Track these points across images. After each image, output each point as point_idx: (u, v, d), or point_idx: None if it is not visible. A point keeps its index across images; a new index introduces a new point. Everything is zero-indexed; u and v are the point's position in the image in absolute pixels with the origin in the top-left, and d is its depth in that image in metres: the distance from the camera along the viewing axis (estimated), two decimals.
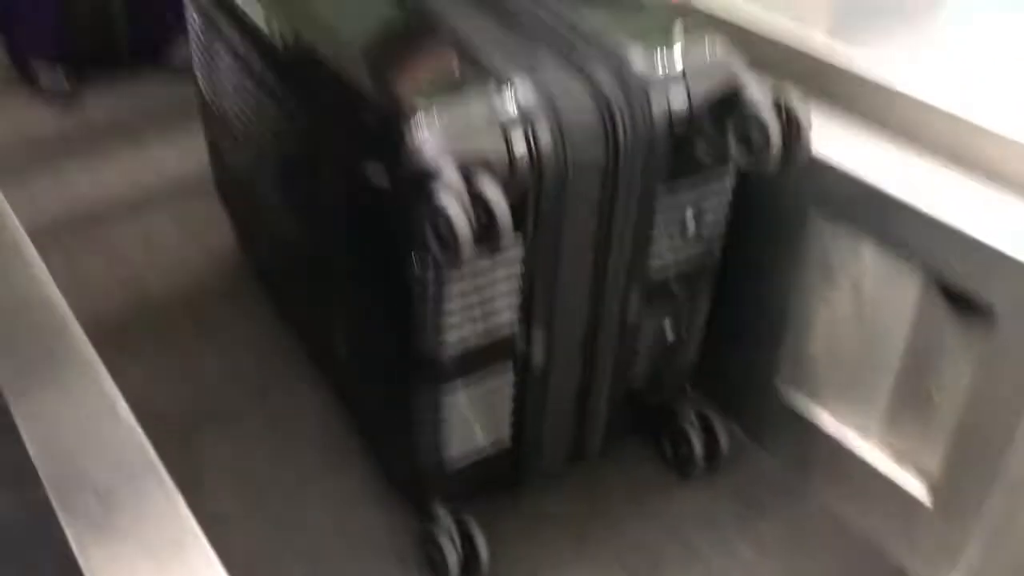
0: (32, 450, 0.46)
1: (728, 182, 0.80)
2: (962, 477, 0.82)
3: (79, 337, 0.57)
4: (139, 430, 0.49)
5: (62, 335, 0.56)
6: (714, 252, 0.85)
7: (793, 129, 0.73)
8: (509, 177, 0.68)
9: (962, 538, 0.83)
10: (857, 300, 0.87)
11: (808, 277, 0.90)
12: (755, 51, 0.78)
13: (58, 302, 0.60)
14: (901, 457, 0.89)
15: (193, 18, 0.99)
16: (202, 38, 0.98)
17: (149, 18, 1.54)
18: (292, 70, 0.80)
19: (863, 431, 0.92)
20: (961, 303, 0.78)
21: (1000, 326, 0.74)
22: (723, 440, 0.94)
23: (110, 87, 1.51)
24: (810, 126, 0.73)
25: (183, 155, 1.33)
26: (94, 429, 0.50)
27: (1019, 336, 0.73)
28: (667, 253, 0.81)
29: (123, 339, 0.64)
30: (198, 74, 1.04)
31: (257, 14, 0.83)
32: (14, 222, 0.66)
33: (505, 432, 0.83)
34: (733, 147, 0.74)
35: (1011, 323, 0.74)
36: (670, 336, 0.87)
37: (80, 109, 1.48)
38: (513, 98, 0.69)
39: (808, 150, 0.73)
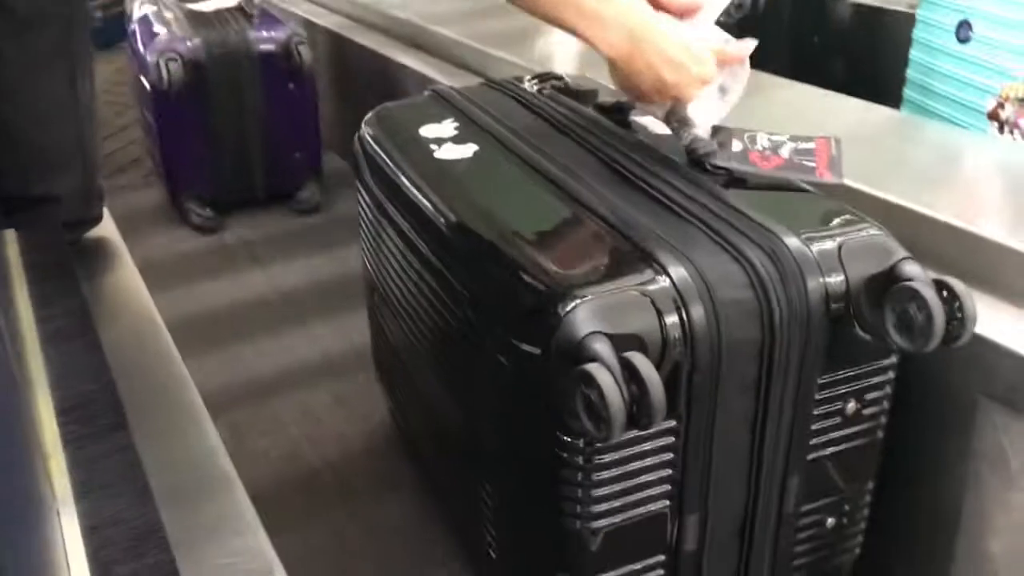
0: None
1: (889, 364, 0.78)
2: None
3: (244, 501, 0.59)
4: None
5: (230, 499, 0.59)
6: (876, 437, 0.81)
7: (955, 309, 0.71)
8: (662, 355, 0.68)
9: None
10: None
11: (981, 472, 0.85)
12: (913, 233, 0.77)
13: (228, 469, 0.63)
14: None
15: (363, 203, 1.06)
16: (370, 220, 1.04)
17: (283, 167, 1.92)
18: (455, 251, 0.83)
19: None
20: None
21: None
22: None
23: (251, 225, 1.83)
24: (973, 306, 0.70)
25: (340, 332, 1.41)
26: None
27: None
28: (826, 437, 0.78)
29: (277, 508, 0.66)
30: (364, 254, 1.11)
31: (424, 199, 0.88)
32: (193, 391, 0.70)
33: None
34: (892, 329, 0.72)
35: None
36: (831, 525, 0.82)
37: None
38: (667, 279, 0.70)
39: (971, 331, 0.71)
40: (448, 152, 0.92)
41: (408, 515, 1.07)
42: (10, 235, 0.86)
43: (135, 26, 1.96)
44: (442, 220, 0.85)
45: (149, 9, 1.98)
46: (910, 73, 1.42)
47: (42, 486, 0.45)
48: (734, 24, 2.47)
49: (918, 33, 1.37)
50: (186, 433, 0.65)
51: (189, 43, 1.80)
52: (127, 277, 0.89)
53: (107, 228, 1.03)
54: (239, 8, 1.97)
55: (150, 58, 1.78)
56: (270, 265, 1.69)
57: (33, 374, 0.64)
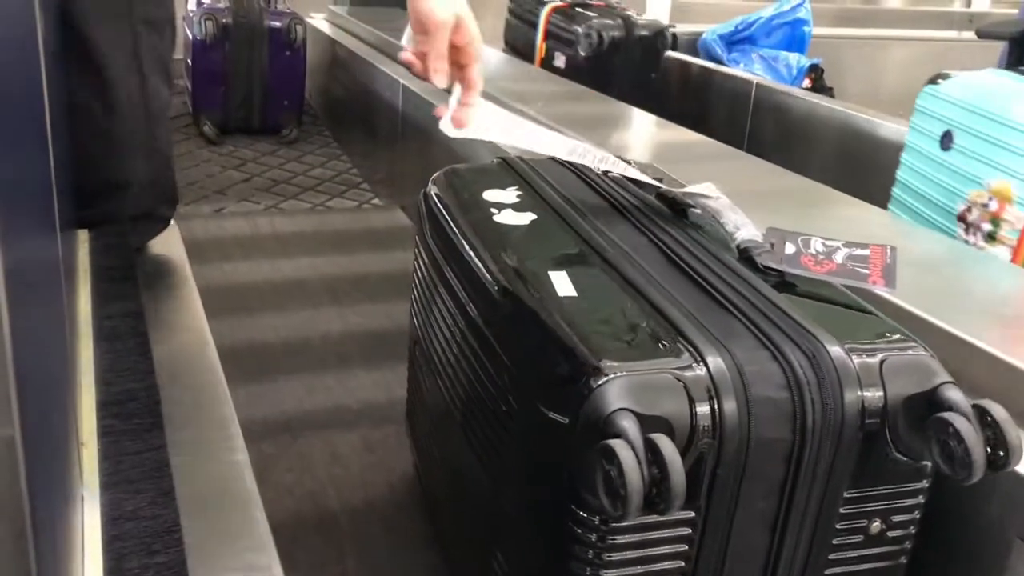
0: None
1: (920, 488, 0.76)
2: None
3: (263, 525, 0.60)
4: None
5: (248, 516, 0.60)
6: (899, 563, 0.79)
7: (997, 444, 0.70)
8: (689, 443, 0.68)
9: None
10: None
11: None
12: (960, 360, 0.77)
13: (252, 488, 0.64)
14: None
15: (419, 258, 1.09)
16: (423, 276, 1.07)
17: (274, 109, 2.97)
18: (500, 314, 0.85)
19: None
20: None
21: None
22: None
23: (246, 145, 2.87)
24: (1018, 436, 0.69)
25: (379, 383, 1.43)
26: None
27: None
28: (846, 554, 0.76)
29: (292, 544, 0.67)
30: (413, 308, 1.13)
31: (477, 260, 0.90)
32: (230, 408, 0.72)
33: None
34: (929, 452, 0.71)
35: None
36: None
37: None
38: (704, 367, 0.70)
39: (1016, 461, 0.69)
40: (507, 218, 0.95)
41: (418, 570, 1.07)
42: (83, 235, 0.90)
43: None
44: (492, 282, 0.87)
45: None
46: (900, 175, 1.57)
47: (73, 472, 0.47)
48: (583, 58, 2.88)
49: (909, 139, 1.53)
50: (217, 447, 0.66)
51: (223, 9, 2.83)
52: (187, 295, 0.92)
53: (175, 247, 1.07)
54: None
55: (195, 17, 2.80)
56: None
57: (82, 366, 0.67)
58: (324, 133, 3.12)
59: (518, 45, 3.27)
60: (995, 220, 1.31)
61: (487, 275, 0.88)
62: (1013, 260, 1.28)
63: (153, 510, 0.54)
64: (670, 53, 3.06)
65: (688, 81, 3.03)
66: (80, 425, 0.59)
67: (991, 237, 1.32)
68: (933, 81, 1.52)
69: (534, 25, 3.15)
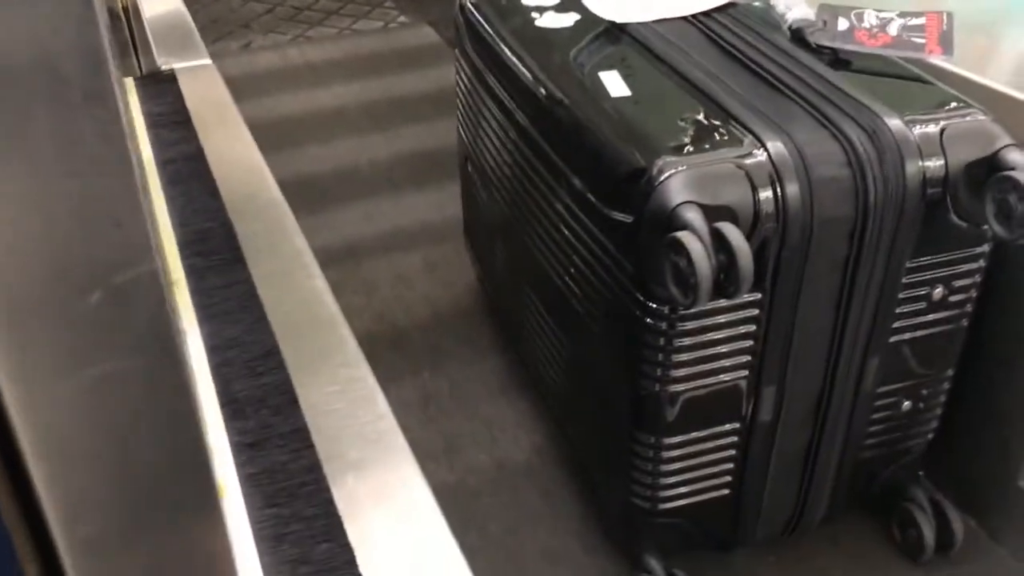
0: (308, 422, 0.52)
1: (980, 253, 0.78)
2: None
3: (352, 343, 0.64)
4: (391, 416, 0.55)
5: (336, 335, 0.63)
6: (961, 327, 0.81)
7: None
8: (753, 228, 0.70)
9: None
10: None
11: None
12: (1017, 121, 0.76)
13: (335, 310, 0.67)
14: None
15: (462, 72, 1.08)
16: (467, 90, 1.06)
17: None
18: (554, 120, 0.85)
19: None
20: None
21: None
22: (957, 529, 0.89)
23: None
24: None
25: (432, 203, 1.45)
26: (357, 415, 0.55)
27: None
28: (910, 321, 0.79)
29: (373, 362, 0.71)
30: (460, 124, 1.13)
31: (524, 68, 0.89)
32: (301, 238, 0.74)
33: (725, 489, 0.83)
34: (990, 215, 0.72)
35: None
36: (906, 408, 0.84)
37: None
38: (764, 153, 0.70)
39: None
40: (550, 20, 0.93)
41: (490, 374, 1.12)
42: (129, 83, 0.90)
43: None
44: (541, 89, 0.87)
45: None
46: None
47: (169, 308, 0.50)
48: None
49: None
50: (296, 275, 0.69)
51: None
52: (239, 133, 0.92)
53: (217, 86, 1.07)
54: None
55: None
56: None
57: (157, 210, 0.69)
58: None
59: None
60: None
61: (535, 81, 0.88)
62: None
63: (251, 336, 0.58)
64: None
65: None
66: (166, 265, 0.62)
67: None
68: None
69: None
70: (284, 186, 0.83)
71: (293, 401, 0.53)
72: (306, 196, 1.47)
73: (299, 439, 0.50)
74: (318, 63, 2.08)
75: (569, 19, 0.92)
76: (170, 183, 0.75)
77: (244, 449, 0.50)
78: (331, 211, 1.45)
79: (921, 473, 0.91)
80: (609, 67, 0.84)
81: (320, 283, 0.69)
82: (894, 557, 0.91)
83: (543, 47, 0.90)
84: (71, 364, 0.25)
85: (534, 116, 0.88)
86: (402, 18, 2.47)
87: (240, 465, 0.49)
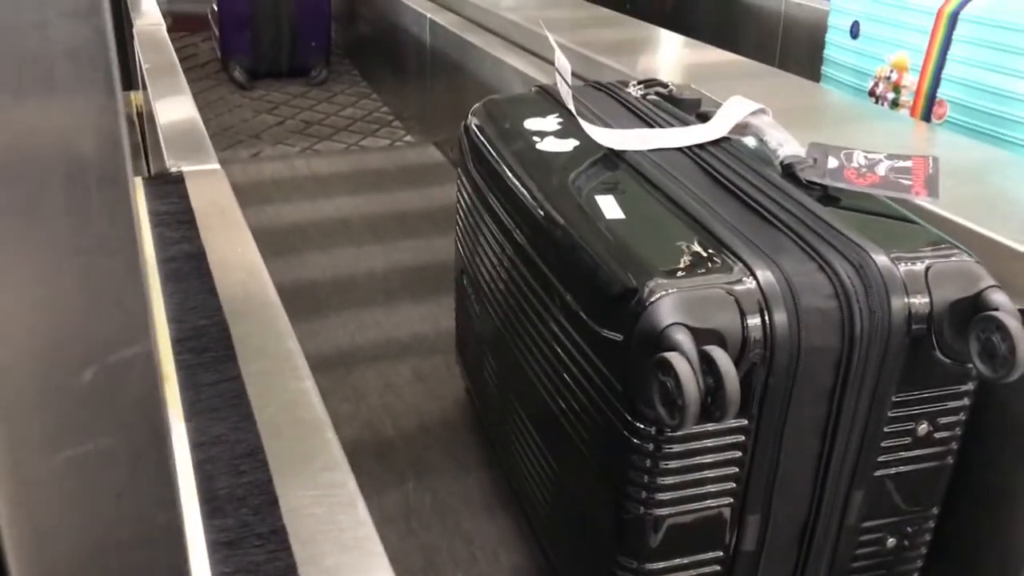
0: (287, 524, 0.52)
1: (965, 391, 0.78)
2: None
3: (336, 447, 0.64)
4: (371, 524, 0.54)
5: (321, 438, 0.63)
6: (946, 464, 0.81)
7: None
8: (741, 354, 0.71)
9: None
10: None
11: None
12: (1000, 264, 0.77)
13: (321, 413, 0.67)
14: None
15: (463, 189, 1.11)
16: (468, 207, 1.09)
17: (303, 52, 3.02)
18: (549, 239, 0.87)
19: None
20: None
21: None
22: None
23: (275, 88, 2.94)
24: None
25: (426, 316, 1.47)
26: (336, 520, 0.55)
27: None
28: (895, 456, 0.79)
29: (357, 471, 0.70)
30: (458, 239, 1.15)
31: (523, 188, 0.92)
32: (294, 340, 0.75)
33: None
34: (975, 354, 0.73)
35: None
36: (891, 545, 0.83)
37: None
38: (753, 280, 0.72)
39: None
40: (550, 145, 0.96)
41: (474, 489, 1.11)
42: (138, 182, 0.93)
43: None
44: (539, 209, 0.89)
45: None
46: (824, 68, 1.78)
47: (161, 391, 0.50)
48: None
49: (828, 35, 1.76)
50: (286, 376, 0.70)
51: None
52: (242, 237, 0.94)
53: (224, 191, 1.10)
54: None
55: None
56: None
57: (155, 307, 0.70)
58: (352, 73, 3.12)
59: None
60: (896, 88, 1.55)
61: (533, 202, 0.90)
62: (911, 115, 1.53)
63: (237, 435, 0.58)
64: None
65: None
66: (160, 360, 0.63)
67: (895, 104, 1.56)
68: None
69: None
70: (282, 291, 0.84)
71: (273, 502, 0.53)
72: (303, 302, 1.49)
73: (276, 541, 0.49)
74: (324, 175, 2.13)
75: (569, 144, 0.96)
76: (169, 280, 0.76)
77: (220, 547, 0.49)
78: (326, 318, 1.46)
79: None
80: (605, 191, 0.87)
81: (309, 385, 0.70)
82: None
83: (543, 170, 0.93)
84: (59, 438, 0.25)
85: (531, 235, 0.91)
86: (408, 137, 2.55)
87: (215, 563, 0.48)
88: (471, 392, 1.22)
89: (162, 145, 1.15)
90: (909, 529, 0.84)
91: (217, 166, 1.08)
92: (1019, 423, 0.85)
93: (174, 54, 1.59)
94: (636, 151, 0.93)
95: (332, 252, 1.71)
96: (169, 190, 0.95)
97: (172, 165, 1.05)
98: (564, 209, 0.86)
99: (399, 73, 2.71)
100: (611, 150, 0.94)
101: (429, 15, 2.26)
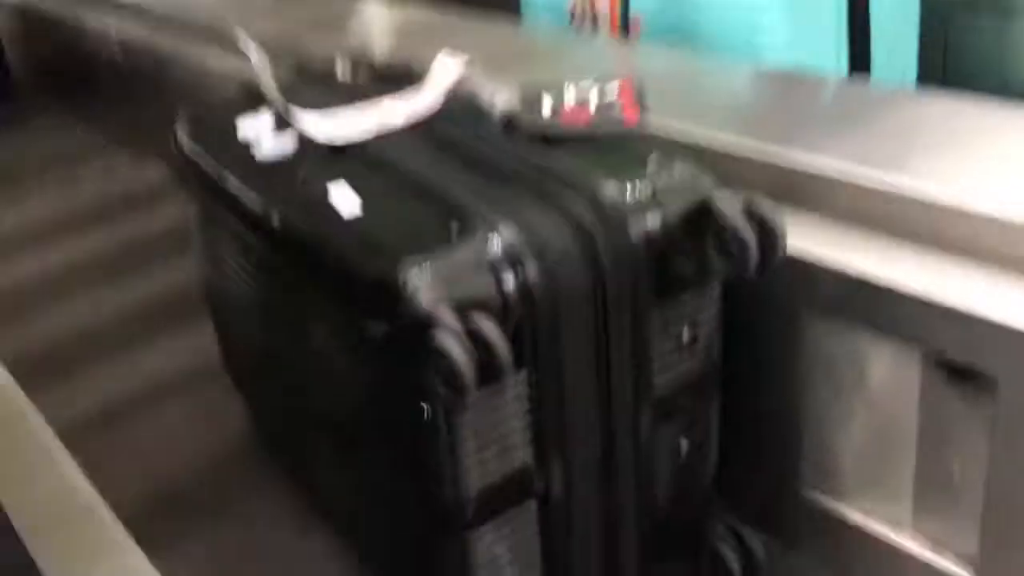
0: None
1: (716, 293, 0.83)
2: (999, 551, 0.81)
3: (112, 523, 0.59)
4: None
5: (96, 524, 0.58)
6: (714, 362, 0.87)
7: (767, 234, 0.77)
8: (504, 315, 0.71)
9: None
10: (864, 392, 0.89)
11: (811, 377, 0.92)
12: (718, 167, 0.82)
13: (89, 495, 0.62)
14: (937, 544, 0.88)
15: (191, 209, 1.04)
16: (202, 229, 1.03)
17: None
18: (293, 247, 0.84)
19: (894, 524, 0.91)
20: (963, 376, 0.80)
21: (1003, 393, 0.76)
22: (757, 552, 0.93)
23: None
24: (783, 229, 0.76)
25: (186, 346, 1.39)
26: None
27: (1020, 396, 0.75)
28: (668, 368, 0.83)
29: (150, 530, 0.65)
30: (198, 262, 1.09)
31: (250, 199, 0.88)
32: (44, 424, 0.69)
33: (534, 571, 0.83)
34: (713, 260, 0.77)
35: (1011, 385, 0.75)
36: (685, 449, 0.88)
37: None
38: (499, 241, 0.72)
39: (784, 252, 0.76)
40: (268, 147, 0.92)
41: (283, 516, 1.07)
42: None
43: None
44: (273, 219, 0.85)
45: None
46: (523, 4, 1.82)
47: None
48: None
49: None
50: (38, 468, 0.63)
51: None
52: None
53: None
54: None
55: None
56: None
57: None
58: (46, 106, 2.87)
59: None
60: (593, 13, 1.62)
61: (263, 212, 0.86)
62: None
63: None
64: None
65: None
66: None
67: (594, 27, 1.64)
68: None
69: None
70: (24, 361, 0.76)
71: None
72: (49, 368, 1.37)
73: None
74: (43, 219, 1.96)
75: (287, 143, 0.92)
76: None
77: None
78: (78, 378, 1.35)
79: (718, 506, 0.95)
80: (335, 184, 0.84)
81: (68, 470, 0.64)
82: None
83: (265, 175, 0.89)
84: None
85: (272, 245, 0.87)
86: (121, 158, 2.37)
87: None
88: (255, 417, 1.17)
89: None
90: (698, 428, 0.89)
91: None
92: (770, 311, 0.92)
93: None
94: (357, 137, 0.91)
95: (69, 302, 1.58)
96: None
97: None
98: (298, 213, 0.83)
99: (95, 96, 2.52)
100: (332, 144, 0.91)
101: (114, 32, 2.11)
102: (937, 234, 0.83)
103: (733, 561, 0.93)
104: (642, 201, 0.77)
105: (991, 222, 0.80)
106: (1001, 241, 0.79)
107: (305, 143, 0.92)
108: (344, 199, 0.81)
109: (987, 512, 0.81)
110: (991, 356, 0.76)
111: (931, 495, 0.87)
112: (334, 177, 0.87)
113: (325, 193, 0.83)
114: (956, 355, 0.79)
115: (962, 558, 0.86)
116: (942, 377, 0.82)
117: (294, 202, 0.85)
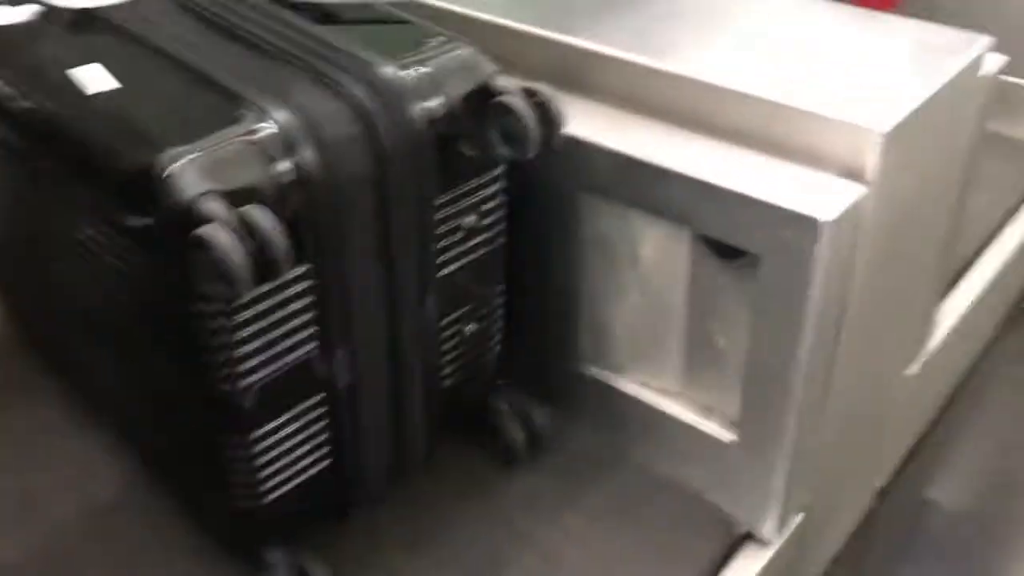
0: None
1: (498, 174, 0.83)
2: (757, 413, 0.88)
3: None
4: None
5: None
6: (499, 245, 0.87)
7: (547, 117, 0.77)
8: (279, 202, 0.68)
9: (767, 470, 0.90)
10: (636, 268, 0.93)
11: (587, 254, 0.95)
12: (499, 52, 0.81)
13: None
14: (704, 409, 0.95)
15: None
16: None
17: None
18: (41, 133, 0.76)
19: (666, 392, 0.97)
20: (727, 252, 0.85)
21: (763, 266, 0.81)
22: (540, 423, 0.97)
23: None
24: (561, 109, 0.77)
25: None
26: None
27: (779, 271, 0.80)
28: (453, 253, 0.83)
29: None
30: None
31: None
32: None
33: (325, 461, 0.83)
34: (494, 140, 0.77)
35: (771, 261, 0.80)
36: (471, 330, 0.89)
37: None
38: (272, 124, 0.68)
39: (562, 133, 0.77)
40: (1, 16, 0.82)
41: (54, 416, 1.01)
42: None
43: None
44: (15, 101, 0.77)
45: None
46: None
47: None
48: None
49: None
50: None
51: None
52: None
53: None
54: None
55: None
56: None
57: None
58: None
59: None
60: None
61: (6, 94, 0.77)
62: None
63: None
64: None
65: None
66: None
67: None
68: None
69: None
70: None
71: None
72: None
73: None
74: None
75: (25, 12, 0.82)
76: None
77: None
78: None
79: (504, 383, 0.98)
80: (87, 61, 0.77)
81: None
82: (496, 467, 0.97)
83: (4, 53, 0.80)
84: None
85: (18, 132, 0.78)
86: None
87: None
88: (19, 317, 1.08)
89: None
90: (483, 311, 0.90)
91: None
92: (549, 193, 0.93)
93: None
94: (112, 6, 0.83)
95: None
96: None
97: None
98: (44, 93, 0.75)
99: None
100: (83, 11, 0.83)
101: None
102: (705, 117, 0.87)
103: (517, 432, 0.96)
104: (424, 84, 0.75)
105: (752, 102, 0.84)
106: (764, 123, 0.83)
107: (49, 12, 0.83)
108: (98, 78, 0.74)
109: (747, 379, 0.87)
110: (754, 234, 0.81)
111: (698, 364, 0.94)
112: (88, 51, 0.79)
113: (75, 69, 0.75)
114: (721, 233, 0.84)
115: (725, 419, 0.93)
116: (707, 253, 0.87)
117: (37, 78, 0.76)
